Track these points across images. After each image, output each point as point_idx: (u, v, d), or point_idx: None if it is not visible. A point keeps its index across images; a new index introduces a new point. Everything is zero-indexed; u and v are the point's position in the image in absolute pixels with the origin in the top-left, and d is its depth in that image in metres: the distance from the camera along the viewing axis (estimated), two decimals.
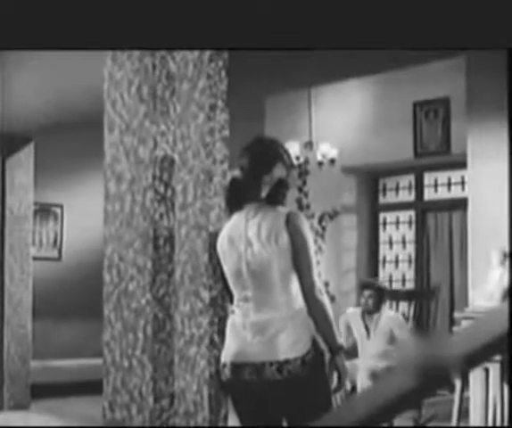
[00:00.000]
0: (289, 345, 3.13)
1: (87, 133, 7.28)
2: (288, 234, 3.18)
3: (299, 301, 3.20)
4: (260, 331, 3.17)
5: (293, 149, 9.39)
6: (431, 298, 7.34)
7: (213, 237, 4.09)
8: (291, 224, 3.20)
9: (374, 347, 6.84)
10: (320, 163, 9.27)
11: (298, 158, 9.41)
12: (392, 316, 6.94)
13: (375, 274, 10.05)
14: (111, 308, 4.17)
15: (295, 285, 3.21)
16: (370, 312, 6.96)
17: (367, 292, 6.98)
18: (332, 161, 9.28)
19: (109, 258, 4.20)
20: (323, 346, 3.16)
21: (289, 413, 3.24)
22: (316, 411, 3.13)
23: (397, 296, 7.48)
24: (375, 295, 6.99)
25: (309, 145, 9.54)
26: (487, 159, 7.56)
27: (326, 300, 3.22)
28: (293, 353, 3.12)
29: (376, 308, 6.93)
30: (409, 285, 9.86)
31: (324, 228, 9.94)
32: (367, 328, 6.98)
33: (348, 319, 7.14)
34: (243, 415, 3.32)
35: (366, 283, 7.34)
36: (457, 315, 6.32)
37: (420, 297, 7.41)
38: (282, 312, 3.17)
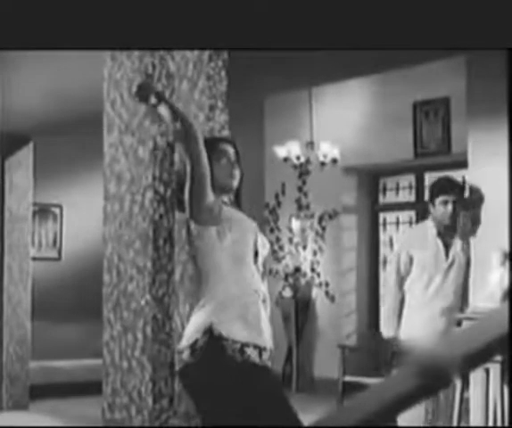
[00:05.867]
0: (186, 334, 3.28)
1: (87, 133, 7.27)
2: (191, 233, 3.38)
3: (208, 291, 3.30)
4: None
5: (294, 149, 9.40)
6: None
7: None
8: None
9: (453, 281, 4.92)
10: (322, 164, 9.27)
11: (299, 158, 9.41)
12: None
13: (376, 274, 10.04)
14: (110, 308, 4.16)
15: (204, 276, 3.36)
16: (451, 230, 4.67)
17: (443, 198, 4.76)
18: (334, 161, 9.28)
19: (108, 258, 4.19)
20: (225, 332, 3.16)
21: (194, 400, 3.38)
22: (216, 398, 3.18)
23: None
24: (456, 204, 4.69)
25: (310, 145, 9.54)
26: (487, 159, 7.55)
27: None
28: (183, 342, 3.26)
29: (454, 223, 4.76)
30: None
31: (324, 228, 9.94)
32: (446, 251, 4.81)
33: (408, 247, 4.82)
34: None
35: (447, 182, 4.88)
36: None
37: None
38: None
